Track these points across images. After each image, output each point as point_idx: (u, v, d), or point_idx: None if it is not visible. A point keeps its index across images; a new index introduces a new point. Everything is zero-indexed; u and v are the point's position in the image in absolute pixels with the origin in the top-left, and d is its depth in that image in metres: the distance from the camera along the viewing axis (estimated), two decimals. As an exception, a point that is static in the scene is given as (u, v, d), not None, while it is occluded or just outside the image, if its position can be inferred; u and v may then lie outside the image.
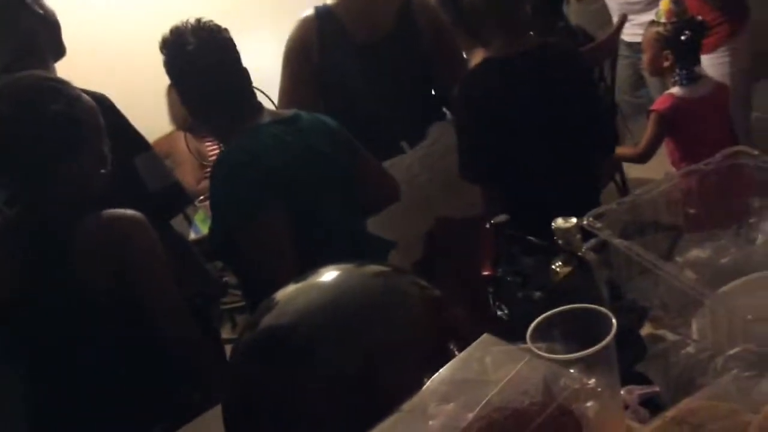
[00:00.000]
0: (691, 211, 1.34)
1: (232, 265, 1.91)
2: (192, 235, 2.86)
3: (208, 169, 3.33)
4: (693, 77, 2.35)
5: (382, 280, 0.90)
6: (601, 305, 1.09)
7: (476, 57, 2.73)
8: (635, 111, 3.28)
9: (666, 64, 2.35)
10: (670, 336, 1.21)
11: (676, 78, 2.35)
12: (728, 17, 2.72)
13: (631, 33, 3.01)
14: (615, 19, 3.20)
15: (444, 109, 2.39)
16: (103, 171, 1.50)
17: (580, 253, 1.14)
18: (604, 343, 0.83)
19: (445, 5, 2.66)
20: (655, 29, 2.35)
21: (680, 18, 2.31)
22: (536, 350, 0.88)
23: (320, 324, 0.81)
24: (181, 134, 2.99)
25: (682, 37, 2.27)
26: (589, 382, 0.88)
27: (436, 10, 2.34)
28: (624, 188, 3.07)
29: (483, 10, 1.96)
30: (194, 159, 3.18)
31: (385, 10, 2.19)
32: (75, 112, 1.44)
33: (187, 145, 2.59)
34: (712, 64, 2.69)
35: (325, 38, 2.17)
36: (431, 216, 2.35)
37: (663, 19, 2.33)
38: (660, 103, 2.39)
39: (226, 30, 1.75)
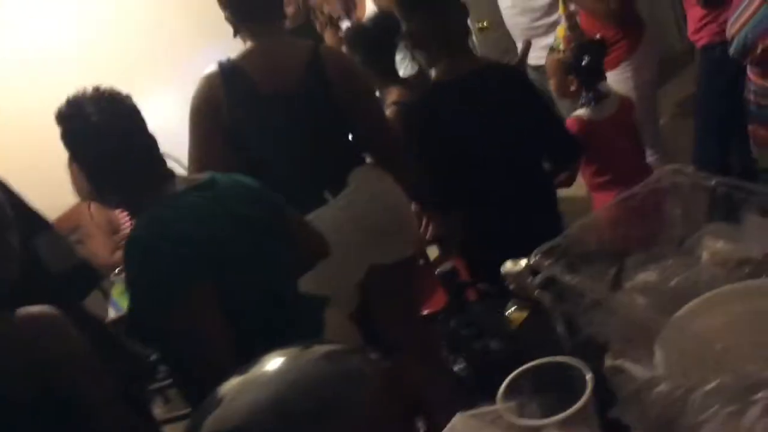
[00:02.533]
0: (633, 234, 1.31)
1: (157, 347, 1.76)
2: (112, 313, 2.68)
3: (121, 238, 3.16)
4: (599, 97, 2.38)
5: (331, 364, 0.80)
6: (561, 348, 1.03)
7: (391, 95, 2.71)
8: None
9: (572, 88, 2.38)
10: (630, 366, 1.17)
11: (584, 101, 2.37)
12: (626, 33, 2.80)
13: (537, 56, 3.06)
14: (518, 44, 3.26)
15: (363, 155, 2.33)
16: (12, 263, 1.35)
17: (533, 296, 1.09)
18: (582, 401, 0.77)
19: (354, 48, 2.63)
20: (555, 56, 2.38)
21: (578, 42, 2.34)
22: (509, 416, 0.81)
23: (269, 427, 0.71)
24: (86, 205, 2.81)
25: (583, 62, 2.30)
26: (570, 441, 0.82)
27: (345, 56, 2.30)
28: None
29: (427, 34, 1.96)
30: (104, 230, 3.00)
31: (292, 61, 2.12)
32: None
33: (92, 217, 2.42)
34: (616, 80, 2.75)
35: (232, 93, 2.07)
36: (363, 264, 2.27)
37: (561, 46, 2.36)
38: (569, 127, 2.41)
39: (128, 96, 1.63)
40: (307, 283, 1.91)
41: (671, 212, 1.30)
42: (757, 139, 2.24)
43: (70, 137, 1.57)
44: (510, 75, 2.14)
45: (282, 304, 1.67)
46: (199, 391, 1.54)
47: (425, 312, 2.68)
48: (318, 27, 3.69)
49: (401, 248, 2.33)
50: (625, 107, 2.49)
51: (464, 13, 2.08)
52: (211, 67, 2.10)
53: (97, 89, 1.58)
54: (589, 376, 0.77)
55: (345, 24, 3.60)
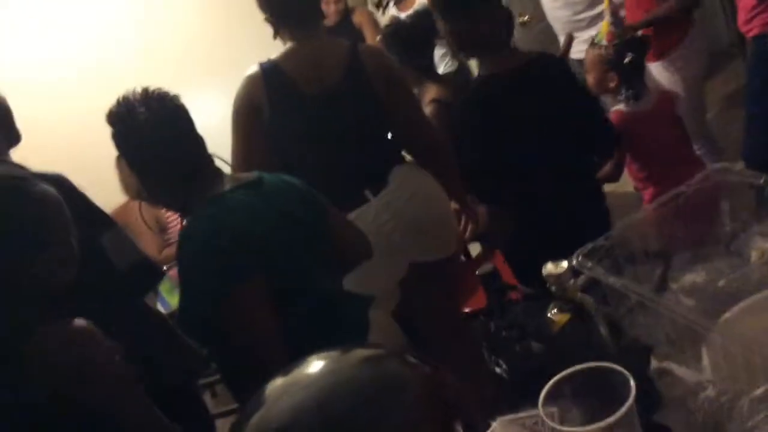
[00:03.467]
0: (679, 233, 1.29)
1: (208, 342, 1.79)
2: (160, 308, 2.74)
3: (168, 237, 3.23)
4: (638, 95, 2.33)
5: (371, 368, 0.81)
6: (604, 351, 1.02)
7: (429, 92, 2.70)
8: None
9: (611, 85, 2.33)
10: (676, 368, 1.15)
11: (622, 97, 2.33)
12: (674, 24, 2.73)
13: (580, 50, 3.01)
14: (560, 37, 3.21)
15: (403, 153, 2.33)
16: (70, 265, 1.39)
17: (576, 298, 1.07)
18: (624, 408, 0.76)
19: (392, 47, 2.63)
20: (596, 51, 2.34)
21: (621, 39, 2.29)
22: (550, 421, 0.80)
23: (310, 430, 0.72)
24: (135, 204, 2.87)
25: (625, 60, 2.25)
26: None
27: (384, 54, 2.29)
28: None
29: (467, 35, 1.96)
30: (152, 228, 3.06)
31: (332, 60, 2.13)
32: (41, 212, 1.34)
33: (142, 216, 2.47)
34: (662, 71, 2.70)
35: (274, 93, 2.09)
36: (403, 263, 2.28)
37: (604, 42, 2.31)
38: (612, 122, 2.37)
39: (176, 96, 1.65)
40: (349, 282, 1.92)
41: (719, 211, 1.27)
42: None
43: (121, 137, 1.60)
44: (553, 66, 2.12)
45: (328, 302, 1.69)
46: (247, 386, 1.58)
47: (466, 310, 2.66)
48: (368, 4, 3.71)
49: (442, 246, 2.33)
50: (665, 100, 2.44)
51: (503, 11, 2.06)
52: (253, 68, 2.12)
53: (146, 90, 1.60)
54: (632, 383, 0.76)
55: (392, 12, 3.61)
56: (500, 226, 2.03)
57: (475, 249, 2.92)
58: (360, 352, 0.84)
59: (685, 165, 2.33)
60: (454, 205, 2.40)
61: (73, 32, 3.41)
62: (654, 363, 1.17)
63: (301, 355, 1.16)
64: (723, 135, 3.15)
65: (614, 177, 2.35)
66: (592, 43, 2.39)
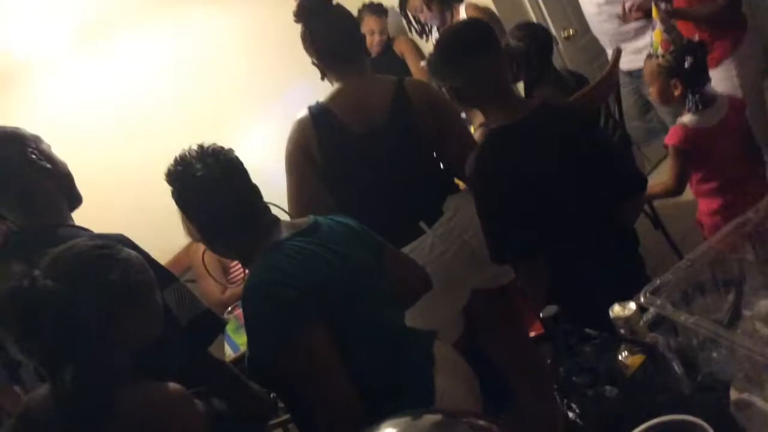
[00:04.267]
0: (749, 257, 1.25)
1: (276, 389, 1.82)
2: (228, 350, 2.79)
3: (232, 276, 3.29)
4: (706, 101, 2.26)
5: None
6: (680, 392, 1.00)
7: (478, 116, 2.69)
8: (647, 135, 3.23)
9: (676, 93, 2.26)
10: (758, 400, 1.11)
11: (690, 105, 2.26)
12: (726, 30, 2.66)
13: (627, 60, 2.96)
14: (607, 50, 3.17)
15: (456, 181, 2.32)
16: (157, 322, 1.45)
17: (646, 339, 1.05)
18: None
19: (437, 74, 2.63)
20: (655, 62, 2.28)
21: (677, 45, 2.24)
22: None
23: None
24: (199, 246, 2.94)
25: (686, 64, 2.20)
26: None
27: (429, 87, 2.30)
28: (655, 216, 2.98)
29: (470, 91, 1.90)
30: (215, 270, 3.13)
31: (379, 97, 2.15)
32: (130, 278, 1.40)
33: (204, 261, 2.54)
34: (720, 78, 2.62)
35: (324, 135, 2.13)
36: (465, 291, 2.27)
37: (660, 51, 2.26)
38: (674, 137, 2.29)
39: (230, 150, 1.70)
40: (412, 315, 1.92)
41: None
42: None
43: (180, 195, 1.65)
44: (566, 112, 2.05)
45: (392, 341, 1.69)
46: (317, 429, 1.59)
47: (532, 334, 2.64)
48: (410, 31, 3.72)
49: (503, 272, 2.31)
50: (735, 110, 2.34)
51: (504, 61, 2.00)
52: (302, 112, 2.16)
53: (201, 147, 1.66)
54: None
55: (434, 37, 3.61)
56: (534, 282, 1.97)
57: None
58: (429, 418, 0.84)
59: (753, 180, 2.25)
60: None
61: (124, 83, 3.52)
62: (734, 395, 1.14)
63: (370, 395, 1.14)
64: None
65: (676, 191, 2.29)
66: (649, 55, 2.34)
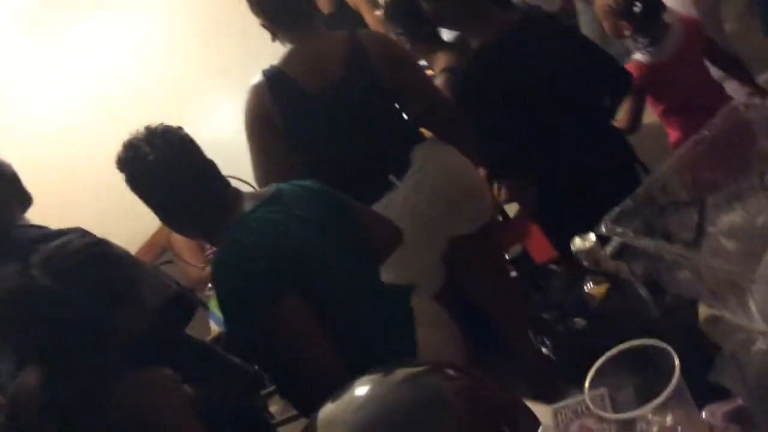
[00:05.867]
0: (709, 176, 1.25)
1: (257, 361, 1.82)
2: (212, 325, 2.79)
3: (210, 251, 3.27)
4: (657, 35, 2.22)
5: (413, 388, 0.82)
6: (648, 315, 1.00)
7: (438, 62, 2.66)
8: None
9: (626, 33, 2.23)
10: (728, 315, 1.12)
11: (640, 45, 2.23)
12: None
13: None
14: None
15: (422, 131, 2.30)
16: (144, 320, 1.45)
17: (610, 268, 1.05)
18: (669, 390, 0.75)
19: (394, 20, 2.58)
20: (605, 1, 2.24)
21: None
22: (599, 411, 0.80)
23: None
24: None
25: (635, 8, 2.15)
26: (667, 423, 0.80)
27: (384, 36, 2.26)
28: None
29: (453, 14, 1.88)
30: (192, 247, 3.11)
31: (333, 53, 2.11)
32: (125, 274, 1.40)
33: (170, 245, 2.53)
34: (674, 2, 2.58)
35: (281, 98, 2.09)
36: (442, 239, 2.27)
37: None
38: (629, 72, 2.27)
39: (179, 128, 1.67)
40: (391, 268, 1.93)
41: (746, 146, 1.22)
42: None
43: (134, 182, 1.62)
44: (545, 21, 2.05)
45: (370, 299, 1.70)
46: (304, 397, 1.60)
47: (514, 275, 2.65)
48: None
49: (478, 216, 2.30)
50: (691, 35, 2.29)
51: None
52: (257, 78, 2.12)
53: (149, 128, 1.62)
54: (676, 360, 0.74)
55: None
56: (523, 199, 1.98)
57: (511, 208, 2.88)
58: (401, 372, 0.84)
59: (720, 102, 2.24)
60: (482, 171, 2.37)
61: (75, 70, 3.44)
62: (703, 312, 1.15)
63: (352, 356, 1.15)
64: (745, 45, 3.02)
65: (632, 129, 2.27)
66: None
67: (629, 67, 2.28)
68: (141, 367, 1.43)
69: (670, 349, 0.76)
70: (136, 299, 1.47)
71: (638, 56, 2.27)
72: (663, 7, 2.25)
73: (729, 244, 1.18)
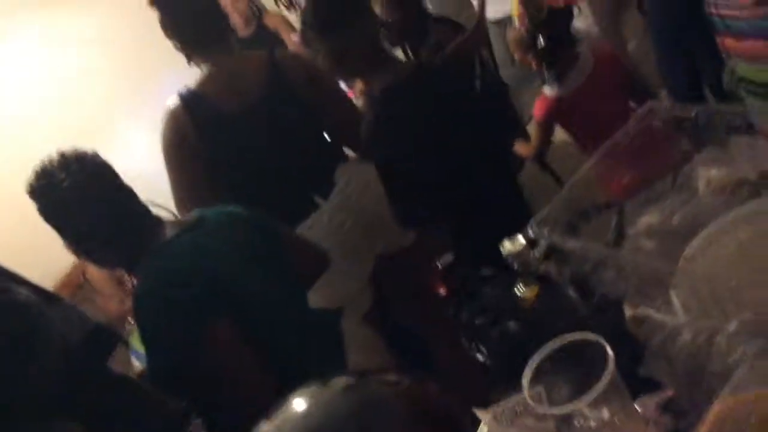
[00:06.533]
0: (625, 180, 1.30)
1: (186, 394, 1.75)
2: (135, 362, 2.68)
3: (128, 286, 3.15)
4: (564, 68, 2.24)
5: (352, 398, 0.79)
6: (578, 315, 1.02)
7: (359, 82, 2.67)
8: (523, 81, 3.29)
9: (533, 65, 2.28)
10: (652, 313, 1.16)
11: (547, 78, 2.26)
12: None
13: (493, 10, 3.00)
14: (473, 1, 3.20)
15: (344, 149, 2.30)
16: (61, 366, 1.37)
17: (539, 270, 1.07)
18: (602, 382, 0.76)
19: (311, 43, 2.58)
20: (512, 34, 2.30)
21: (533, 20, 2.21)
22: (535, 404, 0.80)
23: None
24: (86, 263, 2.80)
25: (540, 43, 2.19)
26: (603, 416, 0.81)
27: (302, 57, 2.25)
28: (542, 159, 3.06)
29: (347, 57, 1.88)
30: (109, 281, 2.99)
31: (251, 74, 2.08)
32: (31, 323, 1.31)
33: (93, 273, 2.42)
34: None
35: (199, 120, 2.04)
36: (369, 258, 2.26)
37: (516, 23, 2.28)
38: (538, 109, 2.31)
39: (95, 154, 1.59)
40: (321, 289, 1.90)
41: (658, 150, 1.28)
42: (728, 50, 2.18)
43: (46, 211, 1.53)
44: (442, 69, 2.08)
45: (298, 325, 1.66)
46: (234, 424, 1.55)
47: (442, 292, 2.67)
48: (277, 6, 3.66)
49: (404, 233, 2.32)
50: (604, 67, 2.30)
51: (377, 23, 2.00)
52: (172, 100, 2.06)
53: (62, 154, 1.54)
54: (609, 352, 0.76)
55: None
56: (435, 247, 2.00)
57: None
58: (339, 382, 0.82)
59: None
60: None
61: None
62: (628, 311, 1.18)
63: (282, 383, 1.12)
64: (647, 64, 3.18)
65: (538, 158, 2.32)
66: (510, 22, 2.36)
67: (538, 101, 2.33)
68: (49, 422, 1.34)
69: (602, 341, 0.78)
70: (48, 344, 1.38)
71: (545, 89, 2.31)
72: (569, 41, 2.29)
73: (649, 244, 1.22)
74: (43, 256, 2.41)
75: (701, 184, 1.24)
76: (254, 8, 3.73)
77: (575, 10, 2.48)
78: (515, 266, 1.08)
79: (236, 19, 3.59)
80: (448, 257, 1.16)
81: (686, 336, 0.94)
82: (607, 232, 1.25)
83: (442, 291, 2.36)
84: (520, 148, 2.43)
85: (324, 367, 1.64)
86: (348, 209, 2.18)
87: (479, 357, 1.12)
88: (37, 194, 1.53)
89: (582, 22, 2.81)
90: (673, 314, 1.06)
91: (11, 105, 3.34)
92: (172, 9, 2.05)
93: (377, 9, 2.67)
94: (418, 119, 1.85)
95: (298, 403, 0.80)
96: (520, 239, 1.07)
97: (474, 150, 1.93)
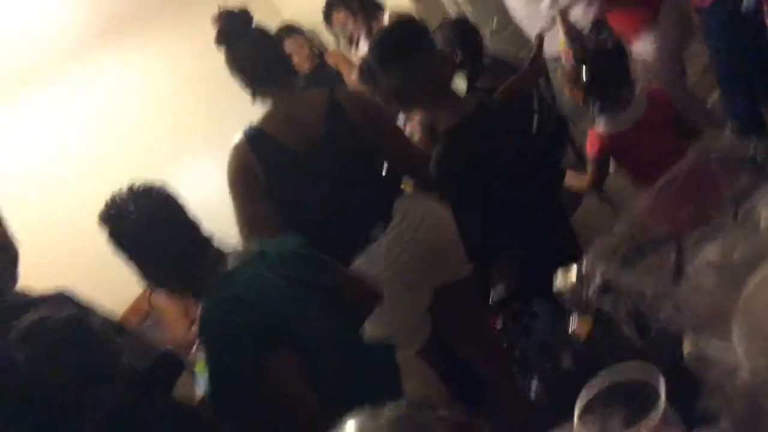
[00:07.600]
0: (683, 216, 1.28)
1: (244, 422, 1.79)
2: (199, 389, 2.73)
3: (193, 314, 3.24)
4: (610, 107, 2.24)
5: (402, 426, 0.81)
6: (634, 350, 1.01)
7: (416, 113, 2.72)
8: (583, 112, 3.27)
9: (579, 100, 2.29)
10: (711, 351, 1.13)
11: (593, 112, 2.26)
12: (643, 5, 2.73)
13: (552, 45, 3.01)
14: (532, 39, 3.22)
15: (400, 185, 2.34)
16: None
17: (594, 304, 1.07)
18: (658, 411, 0.76)
19: (372, 78, 2.64)
20: (560, 71, 2.32)
21: (576, 56, 2.24)
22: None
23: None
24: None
25: (584, 78, 2.20)
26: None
27: (361, 94, 2.32)
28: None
29: (409, 91, 1.92)
30: (176, 308, 3.08)
31: (312, 112, 2.15)
32: (103, 352, 1.38)
33: (150, 303, 2.51)
34: (640, 48, 2.68)
35: (264, 156, 2.12)
36: (427, 290, 2.27)
37: (563, 60, 2.30)
38: (590, 146, 2.32)
39: (162, 187, 1.68)
40: (378, 324, 1.92)
41: (717, 185, 1.26)
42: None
43: (116, 239, 1.62)
44: (501, 108, 2.11)
45: (354, 358, 1.69)
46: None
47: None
48: (338, 46, 3.76)
49: (461, 265, 2.32)
50: (655, 103, 2.29)
51: (439, 57, 2.02)
52: (237, 137, 2.15)
53: (131, 187, 1.63)
54: (661, 382, 0.75)
55: (363, 45, 3.63)
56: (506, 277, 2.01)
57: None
58: (389, 413, 0.84)
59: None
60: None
61: (52, 128, 3.47)
62: (687, 347, 1.16)
63: (339, 415, 1.14)
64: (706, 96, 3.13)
65: (596, 189, 2.31)
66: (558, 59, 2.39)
67: (590, 138, 2.33)
68: None
69: (656, 370, 0.77)
70: (113, 377, 1.44)
71: (599, 127, 2.31)
72: (620, 79, 2.27)
73: (708, 280, 1.20)
74: (113, 284, 2.51)
75: (763, 221, 1.21)
76: (316, 48, 3.85)
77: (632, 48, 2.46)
78: (568, 300, 1.08)
79: (299, 56, 3.71)
80: (500, 291, 1.16)
81: (744, 374, 0.92)
82: (662, 266, 1.24)
83: (497, 325, 2.36)
84: (577, 181, 2.43)
85: (380, 399, 1.66)
86: (404, 242, 2.21)
87: (532, 394, 1.12)
88: (107, 221, 1.61)
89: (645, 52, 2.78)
90: (733, 351, 1.04)
91: (86, 140, 3.50)
92: (238, 48, 2.14)
93: (439, 44, 2.74)
94: (486, 152, 1.89)
95: (351, 429, 0.82)
96: (574, 272, 1.07)
97: (533, 183, 1.95)
